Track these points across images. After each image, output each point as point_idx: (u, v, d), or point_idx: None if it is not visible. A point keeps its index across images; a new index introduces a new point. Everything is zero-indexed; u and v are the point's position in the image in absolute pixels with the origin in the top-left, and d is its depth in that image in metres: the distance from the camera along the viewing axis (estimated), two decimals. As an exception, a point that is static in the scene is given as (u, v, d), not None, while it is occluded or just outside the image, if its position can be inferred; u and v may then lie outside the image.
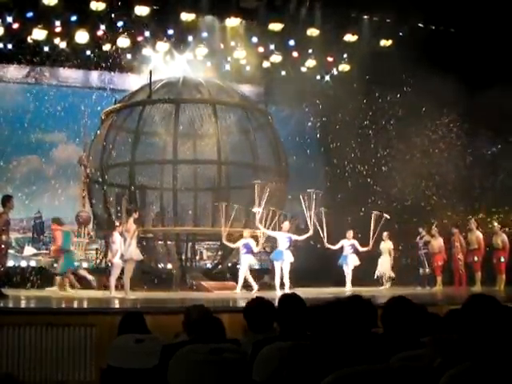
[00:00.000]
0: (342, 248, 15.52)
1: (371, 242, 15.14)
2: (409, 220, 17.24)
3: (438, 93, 16.35)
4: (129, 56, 18.64)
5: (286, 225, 14.28)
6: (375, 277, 15.97)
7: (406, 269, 16.61)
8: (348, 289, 14.80)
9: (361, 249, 15.27)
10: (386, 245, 15.98)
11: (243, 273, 14.11)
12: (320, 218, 14.44)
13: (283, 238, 13.94)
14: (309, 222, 14.27)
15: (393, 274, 15.92)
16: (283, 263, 13.76)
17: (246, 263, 14.15)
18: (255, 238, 14.56)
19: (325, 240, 14.83)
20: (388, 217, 15.14)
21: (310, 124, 21.53)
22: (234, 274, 16.39)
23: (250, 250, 14.18)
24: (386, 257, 16.00)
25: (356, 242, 15.38)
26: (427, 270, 15.21)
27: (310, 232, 14.20)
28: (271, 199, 14.73)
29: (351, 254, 15.33)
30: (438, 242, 15.12)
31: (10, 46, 17.63)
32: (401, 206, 17.50)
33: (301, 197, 14.39)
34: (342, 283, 15.32)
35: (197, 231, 16.77)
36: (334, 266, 15.74)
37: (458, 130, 17.06)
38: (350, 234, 15.45)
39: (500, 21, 14.56)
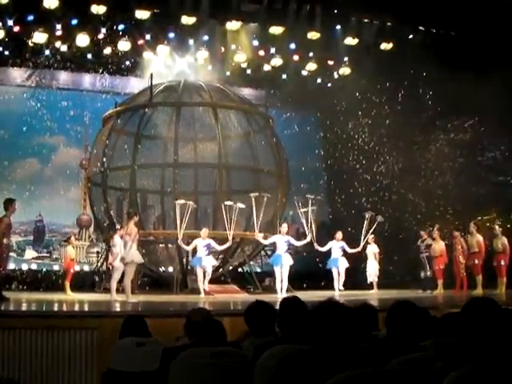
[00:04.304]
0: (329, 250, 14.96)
1: (362, 244, 14.87)
2: (409, 223, 17.27)
3: (439, 96, 16.41)
4: (130, 59, 18.68)
5: (285, 227, 14.10)
6: (368, 282, 15.96)
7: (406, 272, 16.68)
8: (337, 293, 14.49)
9: (350, 250, 14.86)
10: (371, 248, 15.94)
11: (209, 274, 13.90)
12: (311, 219, 14.13)
13: (282, 242, 13.76)
14: (306, 228, 14.15)
15: (376, 279, 15.85)
16: (282, 267, 13.64)
17: (210, 265, 14.02)
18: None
19: (314, 242, 14.38)
20: (382, 219, 15.02)
21: (310, 127, 21.55)
22: (235, 278, 16.41)
23: (211, 251, 14.07)
24: (371, 260, 15.96)
25: (345, 244, 14.90)
26: (428, 273, 15.17)
27: (308, 238, 14.03)
28: (271, 205, 14.71)
29: (341, 256, 14.82)
30: (439, 246, 15.08)
31: (10, 49, 17.66)
32: (402, 209, 17.53)
33: (295, 202, 14.33)
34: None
35: (198, 234, 16.76)
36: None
37: (461, 133, 17.06)
38: (340, 235, 14.88)
39: (502, 23, 14.58)
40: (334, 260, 14.81)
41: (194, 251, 14.39)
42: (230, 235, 14.12)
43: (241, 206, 14.43)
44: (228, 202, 14.43)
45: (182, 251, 16.37)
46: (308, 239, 14.04)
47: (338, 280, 14.78)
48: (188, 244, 14.30)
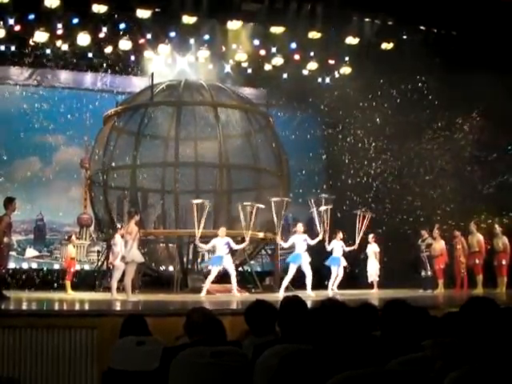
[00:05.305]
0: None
1: (357, 241, 14.95)
2: (410, 222, 17.27)
3: (440, 96, 16.39)
4: (130, 58, 18.68)
5: (300, 226, 14.16)
6: (369, 281, 16.01)
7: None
8: (330, 291, 14.57)
9: (346, 249, 15.00)
10: (372, 248, 15.97)
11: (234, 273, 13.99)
12: (325, 218, 14.22)
13: (300, 241, 13.85)
14: (319, 227, 14.18)
15: (377, 278, 15.90)
16: (303, 265, 13.72)
17: (231, 263, 14.05)
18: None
19: (327, 241, 14.48)
20: (370, 215, 15.09)
21: (310, 126, 21.54)
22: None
23: (231, 249, 14.11)
24: (372, 260, 16.00)
25: (343, 244, 15.07)
26: (429, 272, 15.17)
27: (320, 236, 14.11)
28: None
29: (342, 255, 15.00)
30: (439, 245, 15.09)
31: (12, 49, 17.67)
32: (402, 208, 17.53)
33: (310, 200, 14.39)
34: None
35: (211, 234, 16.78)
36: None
37: (462, 133, 17.06)
38: (340, 235, 15.05)
39: (503, 23, 14.57)
40: (335, 259, 14.90)
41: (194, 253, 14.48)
42: (247, 235, 14.25)
43: (260, 206, 14.59)
44: (246, 203, 14.56)
45: (182, 250, 16.41)
46: (320, 237, 14.11)
47: (335, 280, 14.89)
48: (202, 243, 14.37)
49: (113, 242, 12.77)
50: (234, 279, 13.81)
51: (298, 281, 14.28)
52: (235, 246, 14.25)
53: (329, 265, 15.03)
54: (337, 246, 14.86)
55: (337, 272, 14.91)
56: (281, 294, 12.39)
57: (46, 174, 19.80)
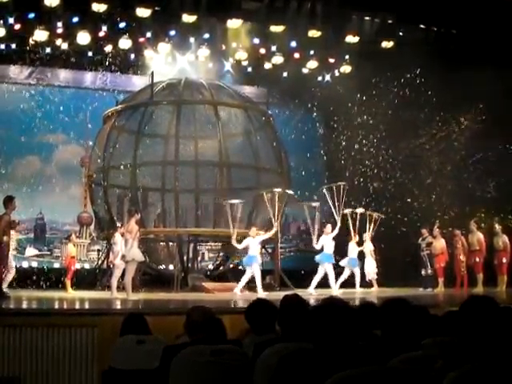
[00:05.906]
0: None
1: (366, 242, 15.46)
2: (410, 221, 17.27)
3: (439, 94, 16.38)
4: (130, 57, 18.67)
5: (329, 227, 14.26)
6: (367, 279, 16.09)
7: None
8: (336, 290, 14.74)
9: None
10: (367, 246, 16.05)
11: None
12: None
13: (329, 241, 13.97)
14: (336, 216, 14.42)
15: (375, 276, 15.96)
16: (328, 265, 13.85)
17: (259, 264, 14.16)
18: None
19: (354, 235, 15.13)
20: (379, 216, 15.25)
21: (310, 125, 21.53)
22: (235, 276, 16.41)
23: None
24: (368, 258, 16.08)
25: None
26: (429, 271, 15.18)
27: (339, 224, 14.32)
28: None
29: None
30: (439, 243, 15.08)
31: (11, 47, 17.65)
32: (401, 207, 17.54)
33: (324, 190, 14.66)
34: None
35: (198, 232, 16.77)
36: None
37: (462, 131, 17.06)
38: (357, 237, 15.43)
39: (502, 22, 14.57)
40: (353, 260, 15.15)
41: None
42: (275, 222, 14.42)
43: (290, 192, 14.99)
44: (276, 189, 14.74)
45: (182, 249, 16.39)
46: (339, 225, 14.36)
47: (355, 279, 15.16)
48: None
49: (113, 240, 12.76)
50: (244, 279, 13.81)
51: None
52: (265, 236, 14.39)
53: (349, 266, 15.19)
54: (353, 247, 15.21)
55: (358, 272, 15.24)
56: (336, 292, 12.82)
57: (46, 173, 19.79)
